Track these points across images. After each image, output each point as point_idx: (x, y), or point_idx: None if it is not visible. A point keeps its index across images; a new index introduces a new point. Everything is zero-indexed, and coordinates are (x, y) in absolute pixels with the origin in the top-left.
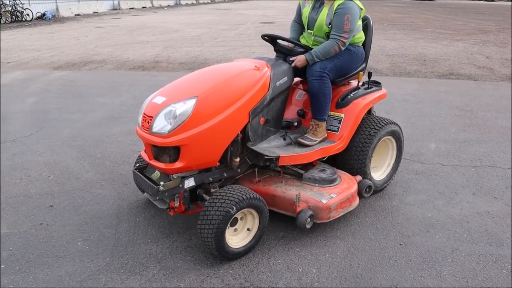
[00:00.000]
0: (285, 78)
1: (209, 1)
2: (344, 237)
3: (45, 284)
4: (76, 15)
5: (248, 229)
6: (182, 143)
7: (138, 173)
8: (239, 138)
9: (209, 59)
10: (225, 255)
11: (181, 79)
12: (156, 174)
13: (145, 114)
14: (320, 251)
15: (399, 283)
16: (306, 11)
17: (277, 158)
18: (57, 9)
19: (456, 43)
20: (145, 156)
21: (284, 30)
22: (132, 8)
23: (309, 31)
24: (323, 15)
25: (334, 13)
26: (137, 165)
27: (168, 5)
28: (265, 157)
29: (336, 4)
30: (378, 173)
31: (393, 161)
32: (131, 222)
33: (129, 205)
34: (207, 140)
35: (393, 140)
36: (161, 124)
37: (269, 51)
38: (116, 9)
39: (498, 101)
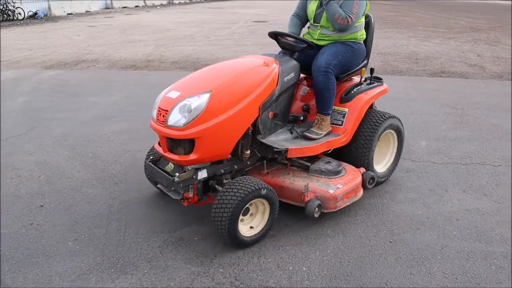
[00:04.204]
0: (292, 74)
1: (202, 0)
2: (334, 235)
3: (35, 284)
4: (68, 14)
5: (254, 215)
6: (197, 136)
7: (152, 165)
8: (250, 131)
9: (201, 58)
10: (235, 242)
11: (193, 74)
12: (170, 166)
13: (160, 108)
14: (310, 249)
15: (388, 281)
16: (313, 5)
17: (286, 150)
18: (49, 8)
19: (447, 41)
20: (160, 149)
21: (277, 28)
22: (125, 7)
23: (315, 24)
24: None
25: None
26: (151, 157)
27: (161, 4)
28: (275, 149)
29: None
30: (380, 166)
31: (394, 154)
32: (122, 222)
33: (120, 205)
34: (220, 133)
35: (395, 134)
36: (176, 118)
37: (262, 50)
38: (108, 8)
39: (489, 99)
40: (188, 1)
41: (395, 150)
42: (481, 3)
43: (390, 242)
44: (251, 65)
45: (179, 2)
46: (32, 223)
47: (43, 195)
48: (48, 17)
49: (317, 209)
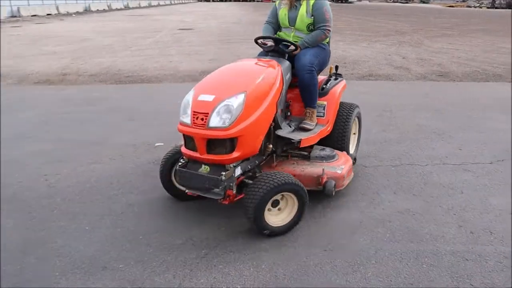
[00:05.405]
0: (289, 74)
1: (123, 7)
2: (269, 249)
3: None
4: None
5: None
6: (240, 134)
7: (188, 170)
8: (272, 126)
9: (123, 70)
10: (262, 229)
11: (212, 78)
12: (205, 168)
13: (195, 112)
14: (244, 266)
15: None
16: (284, 11)
17: (299, 141)
18: None
19: (374, 44)
20: (192, 153)
21: (204, 36)
22: (34, 15)
23: (289, 26)
24: (303, 10)
25: (312, 9)
26: (179, 164)
27: (77, 12)
28: (292, 141)
29: (311, 2)
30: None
31: (357, 137)
32: (38, 255)
33: (36, 236)
34: (256, 130)
35: (357, 120)
36: (217, 119)
37: (188, 59)
38: (15, 16)
39: (415, 100)
40: (107, 8)
41: (357, 134)
42: (405, 7)
43: (325, 250)
44: (263, 66)
45: (97, 10)
46: None
47: None
48: None
49: (334, 188)
